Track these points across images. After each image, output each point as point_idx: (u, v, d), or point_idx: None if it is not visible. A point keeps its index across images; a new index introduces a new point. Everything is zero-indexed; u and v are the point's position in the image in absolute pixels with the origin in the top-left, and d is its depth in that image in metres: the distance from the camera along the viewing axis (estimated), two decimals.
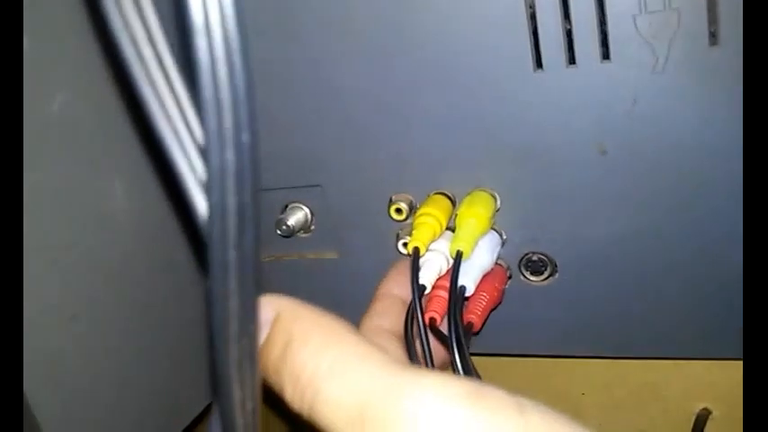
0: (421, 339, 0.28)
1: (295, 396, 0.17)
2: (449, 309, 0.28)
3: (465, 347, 0.27)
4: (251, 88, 0.11)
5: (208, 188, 0.12)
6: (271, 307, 0.19)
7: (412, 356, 0.27)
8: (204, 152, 0.11)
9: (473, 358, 0.27)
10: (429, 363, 0.27)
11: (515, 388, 0.16)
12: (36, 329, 0.25)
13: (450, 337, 0.27)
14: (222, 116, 0.11)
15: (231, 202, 0.11)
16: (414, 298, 0.28)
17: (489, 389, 0.16)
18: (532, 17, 0.27)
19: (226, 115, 0.11)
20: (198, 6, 0.10)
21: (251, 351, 0.15)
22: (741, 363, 0.21)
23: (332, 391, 0.17)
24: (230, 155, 0.11)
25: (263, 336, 0.18)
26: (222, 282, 0.13)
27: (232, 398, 0.15)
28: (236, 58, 0.11)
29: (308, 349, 0.18)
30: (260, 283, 0.14)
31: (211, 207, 0.12)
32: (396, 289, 0.30)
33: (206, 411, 0.37)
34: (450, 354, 0.27)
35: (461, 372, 0.26)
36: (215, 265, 0.12)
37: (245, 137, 0.11)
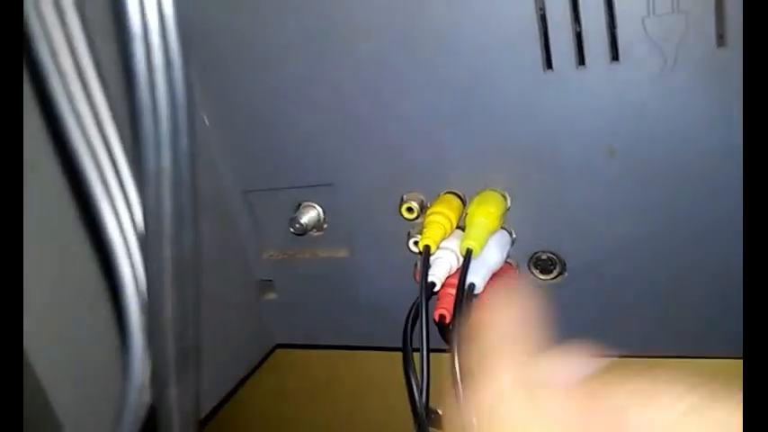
0: (421, 342, 0.28)
1: None
2: (455, 306, 0.29)
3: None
4: (190, 92, 0.11)
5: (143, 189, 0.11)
6: None
7: (409, 363, 0.27)
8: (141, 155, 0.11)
9: None
10: (426, 364, 0.28)
11: None
12: (53, 323, 0.26)
13: (453, 333, 0.27)
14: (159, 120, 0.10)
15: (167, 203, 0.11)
16: (421, 295, 0.28)
17: None
18: (543, 19, 0.27)
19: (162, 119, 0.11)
20: (135, 13, 0.10)
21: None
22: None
23: None
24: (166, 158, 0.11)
25: None
26: (158, 282, 0.12)
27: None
28: (175, 57, 0.10)
29: None
30: (198, 296, 0.14)
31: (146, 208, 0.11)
32: None
33: (216, 409, 0.38)
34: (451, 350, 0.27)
35: (458, 368, 0.26)
36: (151, 262, 0.12)
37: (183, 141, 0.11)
